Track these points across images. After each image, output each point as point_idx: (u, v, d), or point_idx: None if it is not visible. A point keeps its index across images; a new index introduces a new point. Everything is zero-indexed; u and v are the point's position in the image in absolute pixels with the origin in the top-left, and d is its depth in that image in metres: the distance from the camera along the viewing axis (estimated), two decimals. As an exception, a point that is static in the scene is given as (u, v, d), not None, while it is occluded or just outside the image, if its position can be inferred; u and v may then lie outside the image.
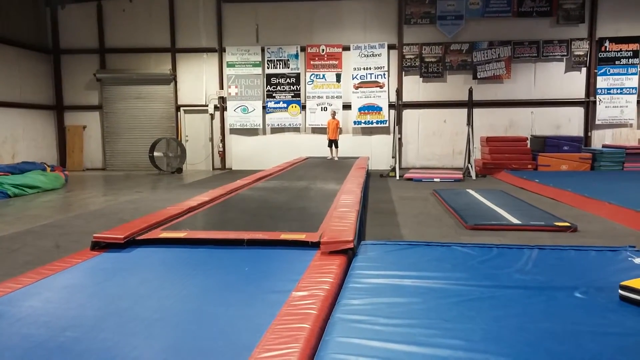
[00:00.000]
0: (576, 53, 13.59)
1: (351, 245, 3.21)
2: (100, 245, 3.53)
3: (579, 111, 13.94)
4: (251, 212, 4.81)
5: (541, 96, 13.83)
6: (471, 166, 11.66)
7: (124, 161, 15.22)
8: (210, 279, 2.89)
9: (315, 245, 3.36)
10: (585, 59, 13.61)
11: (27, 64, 14.13)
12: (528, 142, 13.07)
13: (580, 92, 13.85)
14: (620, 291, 2.34)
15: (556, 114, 13.90)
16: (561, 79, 13.80)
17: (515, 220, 6.02)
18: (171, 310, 2.43)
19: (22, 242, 5.55)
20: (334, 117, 13.29)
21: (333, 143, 13.02)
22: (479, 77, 13.84)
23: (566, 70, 13.77)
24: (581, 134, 13.79)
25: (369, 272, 2.83)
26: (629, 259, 3.08)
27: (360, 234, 4.81)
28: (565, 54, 13.58)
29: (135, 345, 2.03)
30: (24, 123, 13.98)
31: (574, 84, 13.82)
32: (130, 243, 3.58)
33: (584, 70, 13.76)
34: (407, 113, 14.26)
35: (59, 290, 2.73)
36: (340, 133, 13.18)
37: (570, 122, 13.93)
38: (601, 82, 13.67)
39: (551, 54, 13.58)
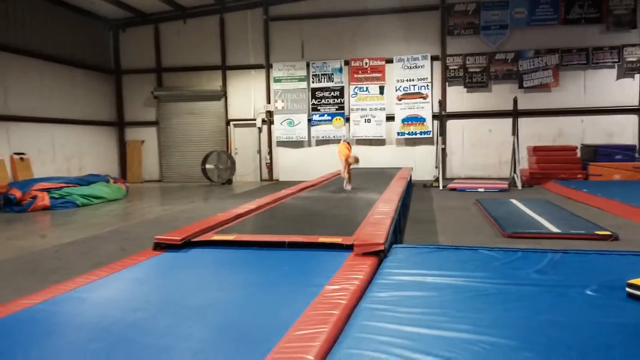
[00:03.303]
0: (628, 59, 13.23)
1: (382, 247, 3.50)
2: (161, 246, 4.01)
3: (633, 119, 13.52)
4: (293, 219, 5.20)
5: (592, 104, 13.53)
6: (517, 176, 11.59)
7: (179, 173, 16.10)
8: (254, 275, 3.28)
9: (350, 247, 3.67)
10: (639, 65, 13.23)
11: (93, 84, 15.33)
12: (578, 151, 12.82)
13: (633, 100, 13.44)
14: (627, 289, 2.51)
15: (608, 122, 13.55)
16: (613, 86, 13.46)
17: (554, 229, 6.08)
18: (220, 299, 2.82)
19: (91, 246, 6.18)
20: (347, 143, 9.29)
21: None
22: (525, 86, 13.74)
23: (618, 77, 13.43)
24: (635, 142, 13.35)
25: (396, 271, 3.12)
26: (652, 262, 3.20)
27: (396, 239, 5.08)
28: (617, 60, 13.26)
29: (190, 324, 2.43)
30: (90, 138, 15.12)
31: (627, 91, 13.44)
32: (187, 244, 4.04)
33: (637, 76, 13.36)
34: (451, 123, 14.33)
35: (128, 282, 3.20)
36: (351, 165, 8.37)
37: (623, 130, 13.52)
38: (656, 88, 13.23)
39: (601, 60, 13.29)
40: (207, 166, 14.45)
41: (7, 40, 12.13)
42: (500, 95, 13.92)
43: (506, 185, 11.18)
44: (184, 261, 3.70)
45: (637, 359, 1.87)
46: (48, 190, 9.88)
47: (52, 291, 3.04)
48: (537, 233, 5.92)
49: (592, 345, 1.96)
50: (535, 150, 12.66)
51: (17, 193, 9.55)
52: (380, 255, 3.51)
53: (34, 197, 9.60)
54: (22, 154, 12.44)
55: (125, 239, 6.61)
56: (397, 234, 5.33)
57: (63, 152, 13.98)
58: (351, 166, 7.89)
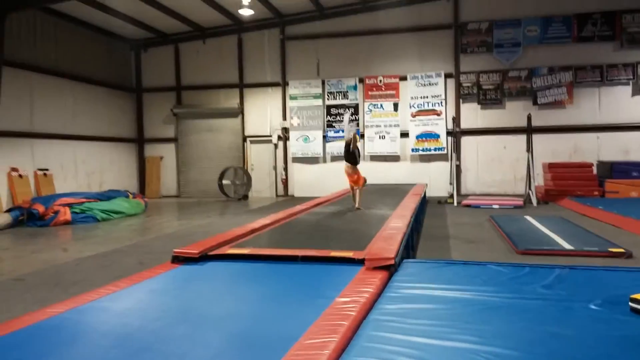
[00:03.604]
0: (643, 76, 13.20)
1: (392, 262, 3.60)
2: (179, 259, 4.16)
3: (650, 135, 13.41)
4: (307, 234, 5.32)
5: (607, 121, 13.47)
6: (532, 193, 11.56)
7: (196, 189, 16.37)
8: (268, 287, 3.39)
9: (361, 261, 3.77)
10: (654, 82, 13.18)
11: (115, 101, 15.76)
12: (594, 168, 12.74)
13: (650, 116, 13.36)
14: (630, 303, 2.57)
15: (624, 138, 13.44)
16: (628, 103, 13.39)
17: (568, 246, 6.09)
18: (236, 309, 2.94)
19: (112, 260, 6.36)
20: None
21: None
22: (539, 103, 13.76)
23: (633, 94, 13.37)
24: (653, 159, 13.23)
25: (405, 285, 3.20)
26: (659, 278, 3.23)
27: (408, 255, 5.16)
28: (632, 77, 13.22)
29: (207, 333, 2.56)
30: (110, 155, 15.50)
31: (643, 107, 13.37)
32: (204, 257, 4.18)
33: (653, 93, 13.30)
34: (465, 140, 14.37)
35: (148, 293, 3.34)
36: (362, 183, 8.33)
37: (640, 147, 13.42)
38: (673, 105, 13.14)
39: (616, 78, 13.28)
40: (224, 182, 14.69)
41: (34, 60, 12.60)
42: (514, 112, 13.95)
43: (521, 202, 11.15)
44: (201, 273, 3.83)
45: (636, 371, 1.94)
46: (70, 205, 10.17)
47: (76, 301, 3.20)
48: (550, 250, 5.93)
49: (592, 356, 2.03)
50: (551, 166, 12.63)
51: (40, 208, 9.83)
52: (390, 270, 3.60)
53: (56, 212, 9.87)
54: (46, 169, 12.81)
55: (144, 252, 6.78)
56: (409, 249, 5.40)
57: (84, 168, 14.35)
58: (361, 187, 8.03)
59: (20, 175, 12.00)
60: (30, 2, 11.03)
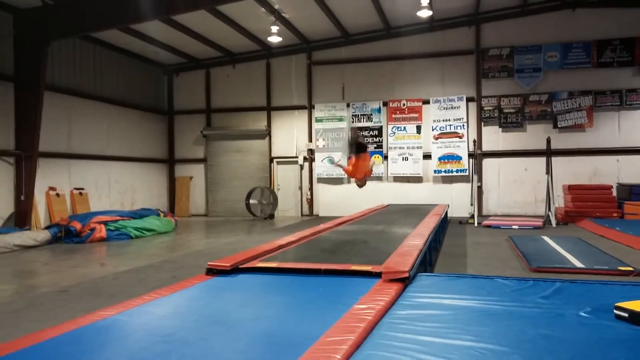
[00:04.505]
0: (663, 101, 13.26)
1: (406, 275, 3.94)
2: (212, 271, 4.59)
3: (671, 159, 13.40)
4: (329, 250, 5.70)
5: (627, 144, 13.53)
6: (551, 214, 11.69)
7: (224, 208, 16.91)
8: (293, 296, 3.78)
9: (378, 275, 4.12)
10: (674, 106, 13.22)
11: (147, 124, 16.54)
12: (614, 190, 12.79)
13: (670, 140, 13.37)
14: (615, 311, 2.86)
15: (645, 161, 13.48)
16: (648, 127, 13.46)
17: (579, 264, 6.31)
18: (264, 314, 3.33)
19: (146, 274, 6.81)
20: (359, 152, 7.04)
21: None
22: (559, 126, 13.94)
23: (653, 118, 13.43)
24: (675, 182, 13.18)
25: (418, 294, 3.54)
26: (652, 292, 3.49)
27: (425, 269, 5.48)
28: (652, 102, 13.32)
29: (239, 332, 2.95)
30: (142, 175, 16.20)
31: (664, 131, 13.40)
32: (235, 270, 4.60)
33: (673, 117, 13.33)
34: (487, 162, 14.59)
35: (186, 300, 3.76)
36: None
37: (660, 170, 13.40)
38: (694, 128, 13.13)
39: (635, 102, 13.39)
40: (251, 201, 15.19)
41: (73, 84, 13.42)
42: (535, 135, 14.14)
43: (540, 223, 11.29)
44: (233, 284, 4.24)
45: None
46: (105, 223, 10.69)
47: (124, 306, 3.64)
48: (562, 268, 6.15)
49: (572, 354, 2.34)
50: (571, 188, 12.74)
51: (77, 225, 10.37)
52: (405, 282, 3.95)
53: (92, 229, 10.39)
54: (81, 189, 13.52)
55: (176, 267, 7.23)
56: (426, 264, 5.71)
57: (117, 187, 15.05)
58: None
59: (57, 194, 12.71)
60: (72, 31, 11.79)
